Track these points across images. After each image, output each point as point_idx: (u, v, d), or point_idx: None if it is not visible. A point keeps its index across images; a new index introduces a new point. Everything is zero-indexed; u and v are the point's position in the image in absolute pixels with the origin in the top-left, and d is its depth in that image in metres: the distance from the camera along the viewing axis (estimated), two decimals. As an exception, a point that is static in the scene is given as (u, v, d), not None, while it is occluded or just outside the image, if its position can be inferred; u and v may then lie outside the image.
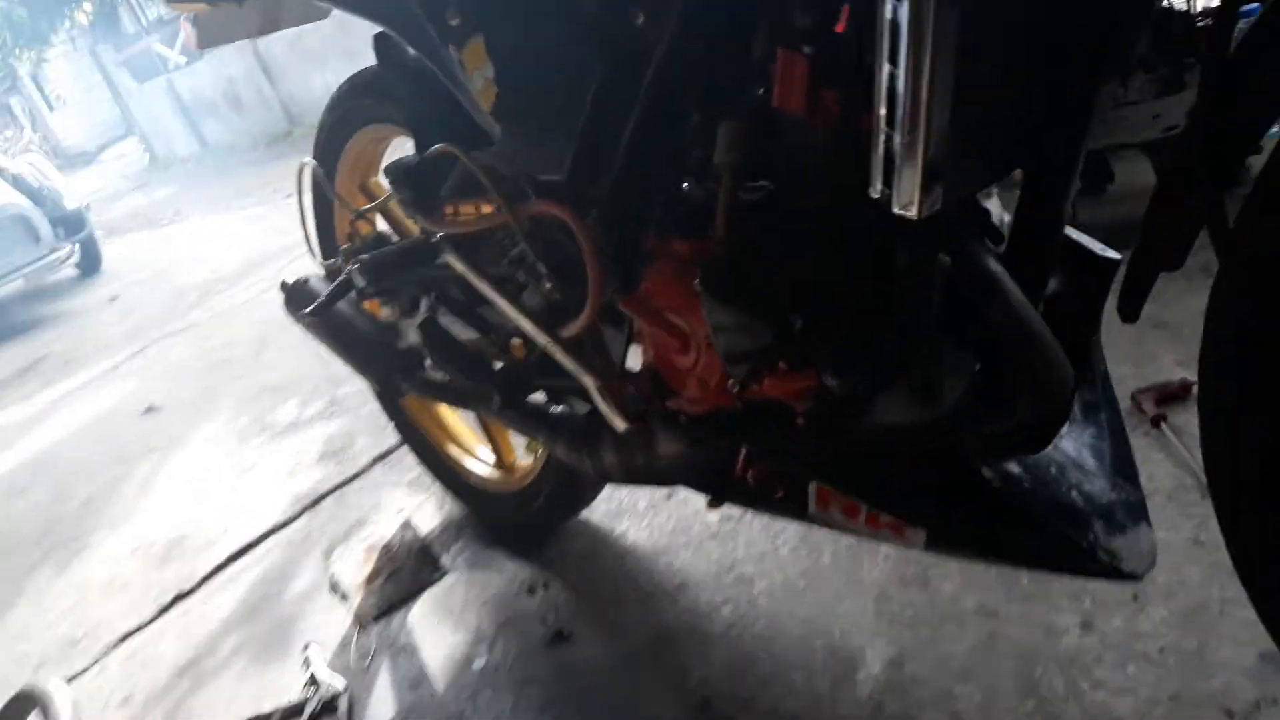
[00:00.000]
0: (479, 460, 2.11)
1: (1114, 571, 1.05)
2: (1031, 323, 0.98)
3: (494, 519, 2.10)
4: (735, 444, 1.24)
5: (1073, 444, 1.13)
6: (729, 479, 1.28)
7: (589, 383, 1.25)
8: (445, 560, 2.07)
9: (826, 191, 0.99)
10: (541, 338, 1.27)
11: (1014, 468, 1.06)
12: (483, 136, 1.31)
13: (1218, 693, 1.19)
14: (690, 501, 1.92)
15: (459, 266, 1.40)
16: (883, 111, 0.83)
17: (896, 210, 0.85)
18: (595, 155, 1.16)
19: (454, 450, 2.15)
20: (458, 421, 2.17)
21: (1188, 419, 1.63)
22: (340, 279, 1.64)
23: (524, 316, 1.30)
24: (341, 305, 1.72)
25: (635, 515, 1.96)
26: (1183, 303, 1.87)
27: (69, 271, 7.67)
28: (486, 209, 1.38)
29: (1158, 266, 0.94)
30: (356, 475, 2.60)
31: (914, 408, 1.02)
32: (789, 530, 1.73)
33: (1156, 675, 1.24)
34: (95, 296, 6.94)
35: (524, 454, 2.02)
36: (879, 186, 0.86)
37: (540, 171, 1.25)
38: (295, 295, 1.73)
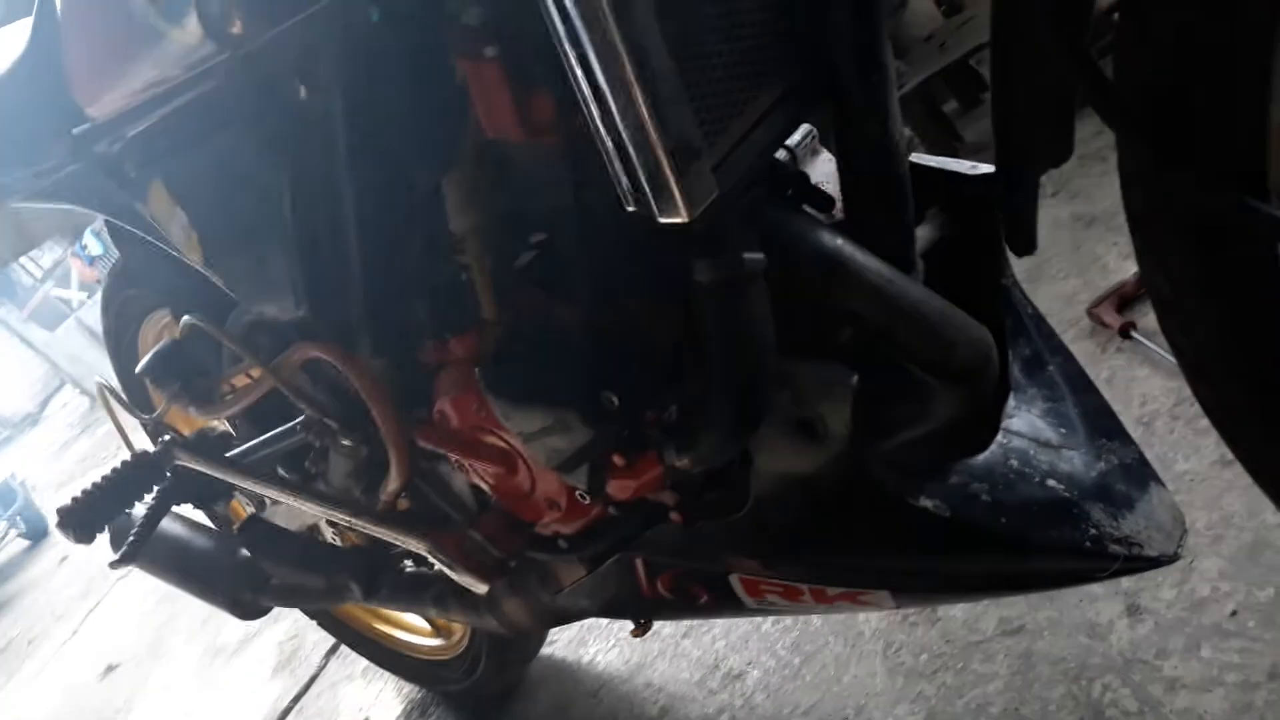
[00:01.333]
0: (412, 632, 1.83)
1: (1139, 561, 0.79)
2: (900, 293, 0.72)
3: (450, 689, 1.80)
4: (628, 556, 0.97)
5: (1025, 419, 0.86)
6: (641, 597, 1.01)
7: (419, 547, 0.97)
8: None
9: (592, 224, 0.74)
10: (341, 515, 1.00)
11: (960, 479, 0.80)
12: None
13: (1324, 650, 0.92)
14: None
15: (196, 465, 1.13)
16: (589, 101, 0.58)
17: (663, 221, 0.60)
18: (328, 272, 0.90)
19: (385, 628, 1.86)
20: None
21: (1159, 316, 1.37)
22: (151, 504, 1.37)
23: (308, 498, 1.03)
24: (168, 525, 1.44)
25: (602, 634, 1.67)
26: (1105, 188, 1.62)
27: (18, 544, 7.32)
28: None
29: (1036, 169, 0.69)
30: (312, 680, 2.30)
31: (799, 455, 0.75)
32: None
33: (1241, 649, 0.96)
34: (46, 561, 6.58)
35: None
36: (630, 197, 0.61)
37: (281, 313, 0.99)
38: (114, 535, 1.45)
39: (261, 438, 1.14)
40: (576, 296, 0.79)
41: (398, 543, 0.98)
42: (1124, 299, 1.39)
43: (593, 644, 1.66)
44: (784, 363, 0.71)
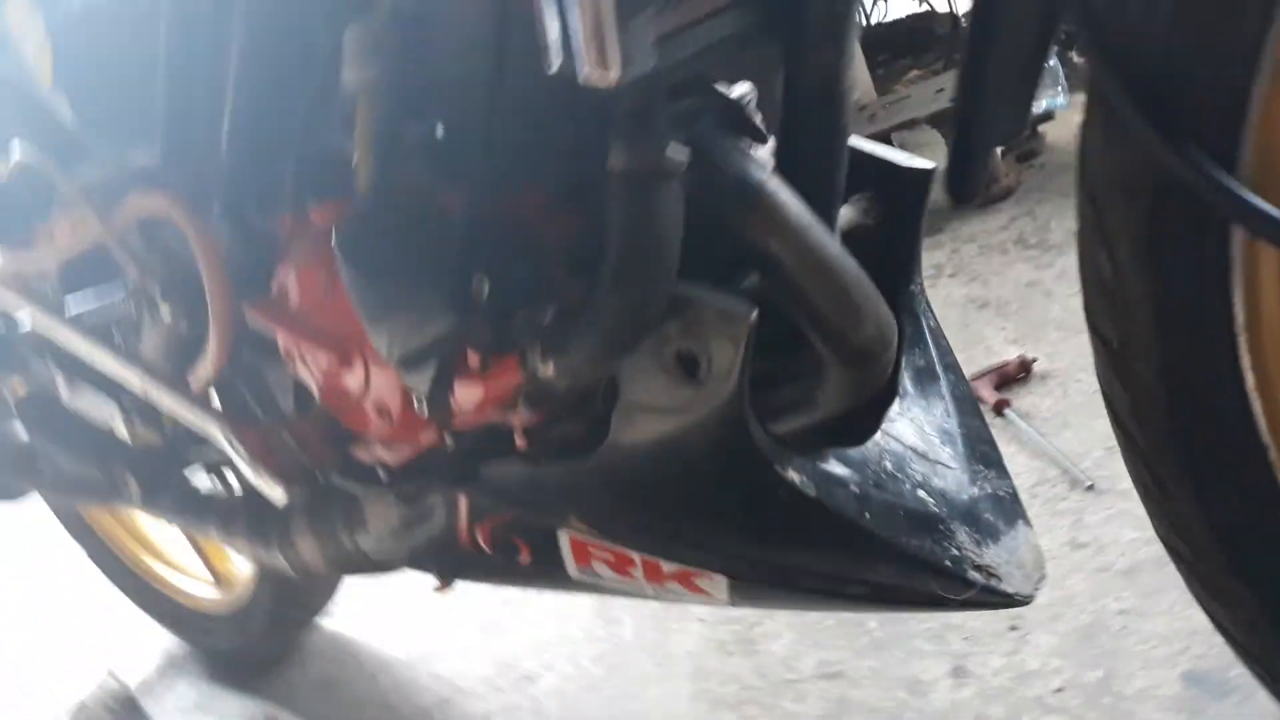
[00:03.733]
0: (186, 574, 1.65)
1: (995, 596, 0.73)
2: (820, 245, 0.66)
3: (215, 647, 1.63)
4: (452, 493, 0.87)
5: (907, 427, 0.81)
6: (456, 548, 0.91)
7: (214, 430, 0.84)
8: (156, 713, 1.58)
9: (501, 99, 0.66)
10: (142, 381, 0.86)
11: (835, 467, 0.73)
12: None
13: (1142, 736, 0.89)
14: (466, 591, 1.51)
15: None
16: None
17: (585, 80, 0.53)
18: (196, 116, 0.80)
19: (155, 566, 1.68)
20: (158, 528, 1.70)
21: (1034, 401, 1.36)
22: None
23: (124, 362, 0.89)
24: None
25: (393, 616, 1.53)
26: (1003, 277, 1.63)
27: None
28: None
29: (993, 136, 0.64)
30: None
31: (671, 396, 0.67)
32: (583, 608, 1.35)
33: (1059, 726, 0.92)
34: None
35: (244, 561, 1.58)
36: (557, 49, 0.53)
37: (130, 157, 0.87)
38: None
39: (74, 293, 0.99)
40: (466, 179, 0.70)
41: (194, 425, 0.85)
42: (1002, 378, 1.39)
43: (381, 624, 1.52)
44: (680, 285, 0.63)
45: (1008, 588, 0.73)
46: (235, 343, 0.85)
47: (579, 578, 0.85)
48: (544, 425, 0.73)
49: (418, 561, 0.97)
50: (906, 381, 0.83)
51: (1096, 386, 0.67)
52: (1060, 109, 2.16)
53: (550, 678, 1.25)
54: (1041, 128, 2.17)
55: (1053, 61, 2.32)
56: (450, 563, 0.93)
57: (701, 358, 0.65)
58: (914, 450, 0.79)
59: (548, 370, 0.65)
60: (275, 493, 0.85)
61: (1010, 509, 0.78)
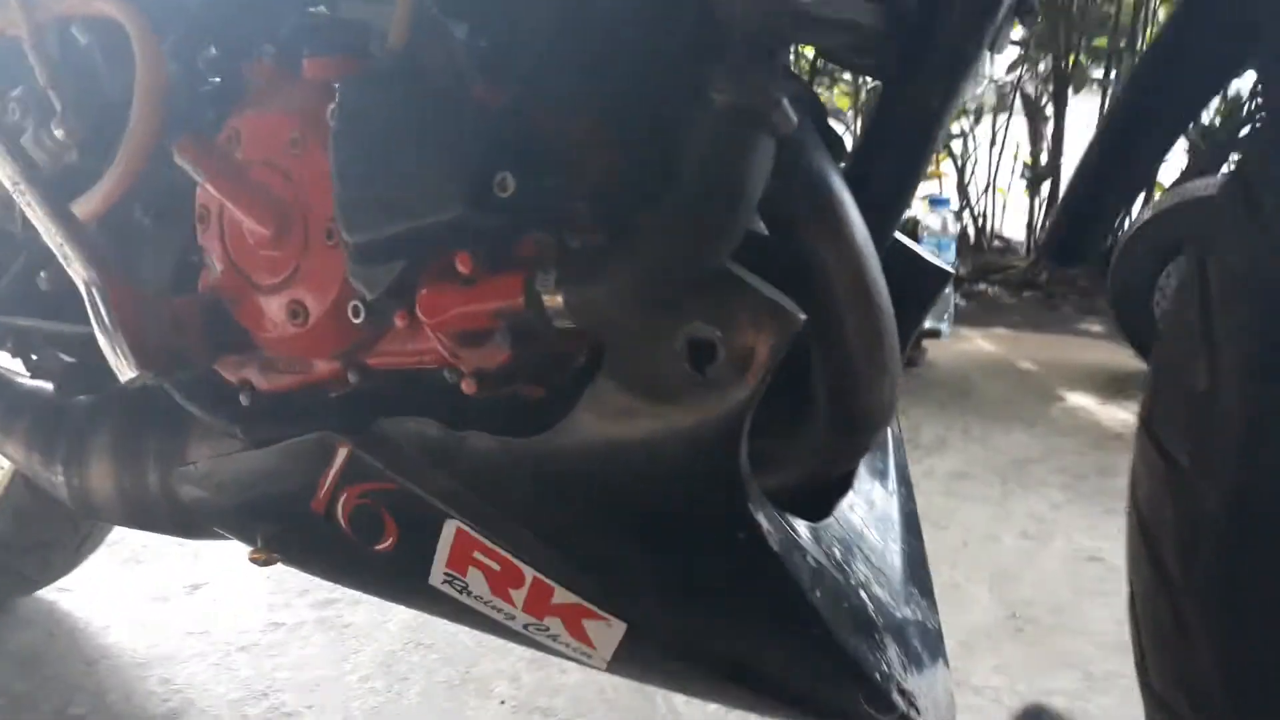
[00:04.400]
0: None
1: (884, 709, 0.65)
2: (877, 281, 0.60)
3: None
4: (331, 439, 0.72)
5: (859, 522, 0.74)
6: (302, 515, 0.75)
7: (80, 272, 0.68)
8: None
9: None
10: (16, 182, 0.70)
11: (796, 532, 0.65)
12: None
13: None
14: (246, 592, 1.31)
15: None
16: None
17: None
18: None
19: None
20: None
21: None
22: None
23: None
24: None
25: (130, 603, 1.30)
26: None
27: None
28: None
29: (1116, 198, 0.60)
30: None
31: (671, 382, 0.58)
32: (365, 653, 1.18)
33: None
34: None
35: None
36: None
37: None
38: None
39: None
40: (511, 78, 0.61)
41: (63, 254, 0.68)
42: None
43: (120, 613, 1.29)
44: (730, 263, 0.55)
45: (891, 705, 0.65)
46: (136, 185, 0.71)
47: (437, 585, 0.72)
48: (503, 374, 0.61)
49: (239, 519, 0.80)
50: (865, 478, 0.77)
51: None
52: (944, 335, 2.25)
53: (307, 717, 1.07)
54: (925, 342, 2.25)
55: (947, 290, 2.45)
56: (287, 530, 0.77)
57: (721, 350, 0.56)
58: (860, 548, 0.71)
59: (555, 298, 0.55)
60: (125, 370, 0.69)
61: (934, 643, 0.72)
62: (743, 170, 0.53)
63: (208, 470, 0.80)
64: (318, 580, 1.33)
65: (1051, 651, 1.17)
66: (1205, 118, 3.02)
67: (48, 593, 1.32)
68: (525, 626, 0.71)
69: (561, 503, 0.65)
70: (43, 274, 0.83)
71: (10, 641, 1.22)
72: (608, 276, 0.54)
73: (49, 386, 0.94)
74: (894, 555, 0.75)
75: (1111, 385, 2.12)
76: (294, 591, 1.32)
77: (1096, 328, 2.43)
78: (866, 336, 0.60)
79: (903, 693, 0.65)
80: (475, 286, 0.58)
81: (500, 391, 0.63)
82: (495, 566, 0.69)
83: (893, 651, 0.67)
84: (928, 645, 0.71)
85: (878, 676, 0.64)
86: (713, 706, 1.07)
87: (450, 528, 0.69)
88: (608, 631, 0.67)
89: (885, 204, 0.65)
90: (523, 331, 0.58)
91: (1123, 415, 1.95)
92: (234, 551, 1.40)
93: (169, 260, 0.76)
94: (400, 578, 0.74)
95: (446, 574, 0.71)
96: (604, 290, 0.54)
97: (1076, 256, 0.61)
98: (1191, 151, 3.07)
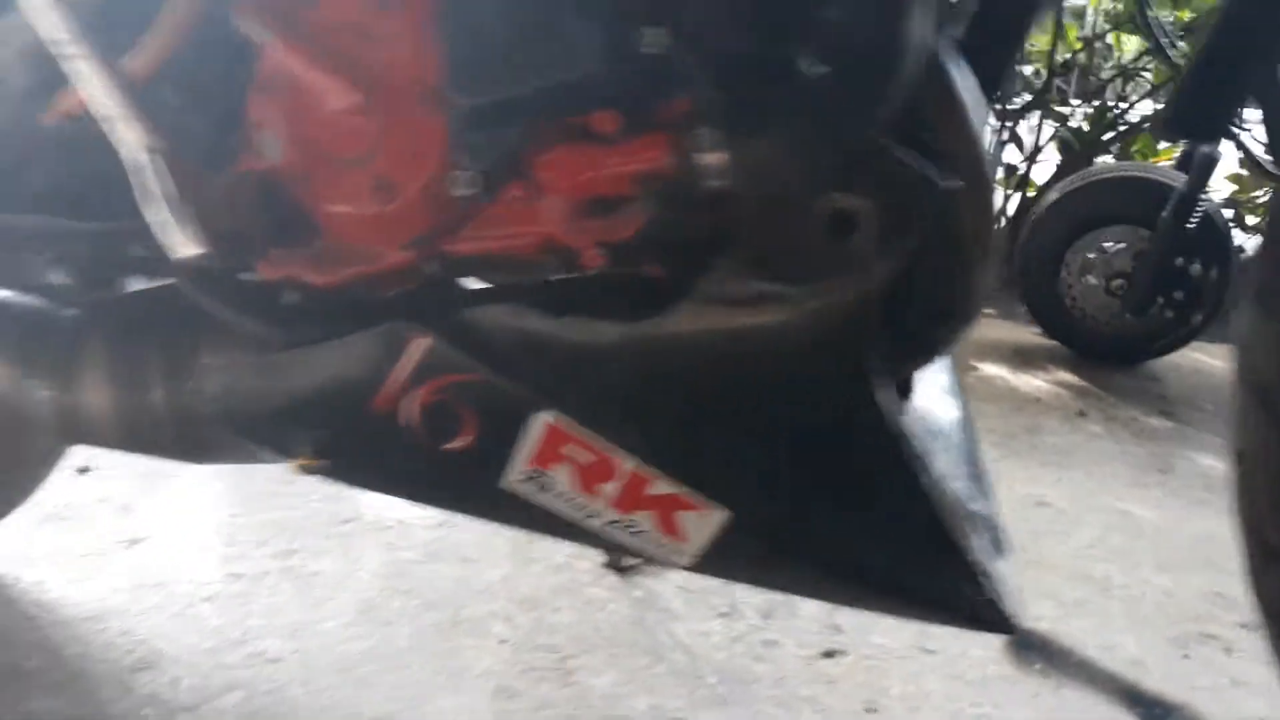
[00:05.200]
0: None
1: (995, 614, 0.67)
2: (988, 159, 0.62)
3: None
4: (404, 329, 0.68)
5: (928, 419, 0.75)
6: (359, 413, 0.71)
7: (137, 143, 0.62)
8: None
9: None
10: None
11: (904, 415, 0.65)
12: None
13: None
14: (193, 546, 1.22)
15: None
16: None
17: None
18: None
19: None
20: None
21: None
22: None
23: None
24: None
25: (64, 559, 1.20)
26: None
27: None
28: None
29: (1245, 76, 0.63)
30: None
31: (809, 257, 0.57)
32: (340, 599, 1.12)
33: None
34: None
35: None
36: None
37: None
38: None
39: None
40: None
41: (112, 118, 0.62)
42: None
43: (47, 572, 1.18)
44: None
45: (1005, 607, 0.67)
46: (191, 41, 0.65)
47: (512, 483, 0.69)
48: (629, 247, 0.59)
49: (279, 431, 0.75)
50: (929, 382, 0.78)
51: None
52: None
53: (295, 664, 1.01)
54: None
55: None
56: (339, 434, 0.73)
57: (864, 222, 0.56)
58: (936, 442, 0.73)
59: (709, 158, 0.53)
60: (183, 248, 0.64)
61: (1000, 537, 0.74)
62: (905, 36, 0.53)
63: (235, 378, 0.74)
64: (273, 531, 1.27)
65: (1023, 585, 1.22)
66: (1075, 121, 3.21)
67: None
68: (607, 523, 0.69)
69: (673, 388, 0.63)
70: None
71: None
72: (770, 134, 0.53)
73: (31, 298, 0.86)
74: (959, 454, 0.76)
75: (1018, 357, 2.23)
76: (249, 544, 1.24)
77: (990, 310, 2.55)
78: (978, 218, 0.61)
79: (987, 575, 0.66)
80: (617, 147, 0.56)
81: (622, 267, 0.61)
82: (587, 460, 0.67)
83: (978, 540, 0.68)
84: (995, 538, 0.73)
85: (971, 561, 0.65)
86: (718, 635, 1.07)
87: (540, 420, 0.66)
88: (704, 523, 0.66)
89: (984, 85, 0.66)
90: (664, 196, 0.56)
91: (1036, 383, 2.05)
92: (172, 505, 1.32)
93: (212, 135, 0.71)
94: (468, 479, 0.70)
95: (527, 471, 0.68)
96: (766, 147, 0.53)
97: (1197, 131, 0.64)
98: (1064, 151, 3.26)
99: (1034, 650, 1.07)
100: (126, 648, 1.03)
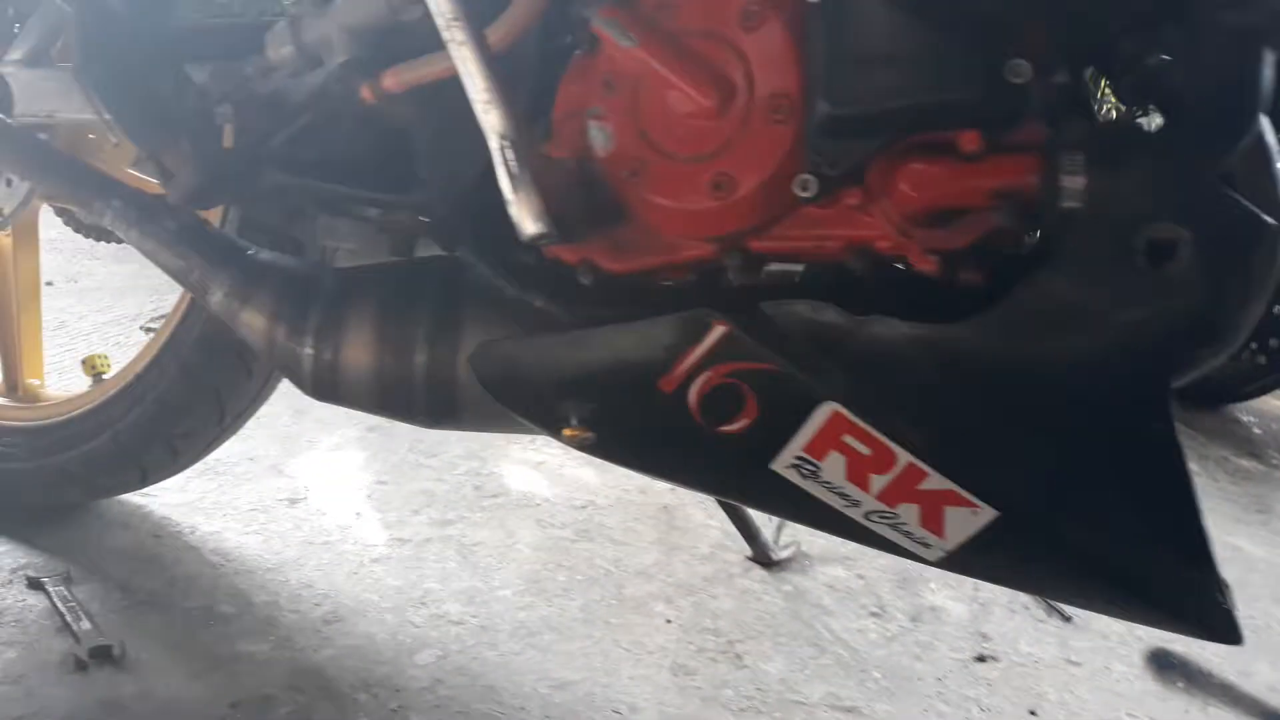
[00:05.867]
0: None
1: (1229, 623, 0.71)
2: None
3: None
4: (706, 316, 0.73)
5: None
6: (645, 392, 0.75)
7: (498, 126, 0.67)
8: None
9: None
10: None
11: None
12: None
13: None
14: (351, 507, 1.26)
15: None
16: None
17: None
18: None
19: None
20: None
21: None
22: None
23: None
24: None
25: (231, 513, 1.24)
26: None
27: None
28: None
29: None
30: None
31: (1118, 286, 0.61)
32: (505, 570, 1.17)
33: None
34: None
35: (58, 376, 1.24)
36: None
37: None
38: None
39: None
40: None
41: (479, 90, 0.66)
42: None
43: (216, 518, 1.23)
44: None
45: (1236, 617, 0.71)
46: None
47: (778, 469, 0.73)
48: (960, 256, 0.64)
49: (550, 402, 0.79)
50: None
51: None
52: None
53: (474, 626, 1.05)
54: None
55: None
56: (615, 409, 0.77)
57: (1183, 252, 0.61)
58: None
59: (1072, 181, 0.58)
60: (530, 227, 0.68)
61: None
62: (1257, 83, 0.57)
63: (515, 351, 0.79)
64: (424, 501, 1.31)
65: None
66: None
67: (130, 498, 1.24)
68: (867, 514, 0.73)
69: (970, 390, 0.68)
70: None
71: (114, 541, 1.15)
72: (1128, 165, 0.58)
73: (294, 260, 0.91)
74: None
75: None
76: (404, 511, 1.29)
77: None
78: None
79: (1223, 588, 0.71)
80: (977, 164, 0.61)
81: (953, 274, 0.65)
82: (864, 450, 0.71)
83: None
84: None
85: (1221, 578, 0.69)
86: (873, 633, 1.11)
87: (825, 410, 0.71)
88: (969, 521, 0.70)
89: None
90: (1017, 212, 0.61)
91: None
92: (322, 469, 1.36)
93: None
94: (737, 460, 0.74)
95: (799, 458, 0.72)
96: (1120, 177, 0.58)
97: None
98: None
99: (1175, 670, 1.12)
100: (312, 600, 1.07)
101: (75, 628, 0.97)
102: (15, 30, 1.13)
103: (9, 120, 1.03)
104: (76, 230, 1.26)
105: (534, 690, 0.95)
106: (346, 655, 0.98)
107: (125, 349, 1.72)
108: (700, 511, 1.35)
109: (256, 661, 0.96)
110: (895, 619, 1.15)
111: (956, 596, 1.21)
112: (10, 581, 1.05)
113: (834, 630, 1.11)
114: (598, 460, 0.79)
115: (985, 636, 1.14)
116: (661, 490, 1.39)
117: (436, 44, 0.70)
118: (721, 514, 1.29)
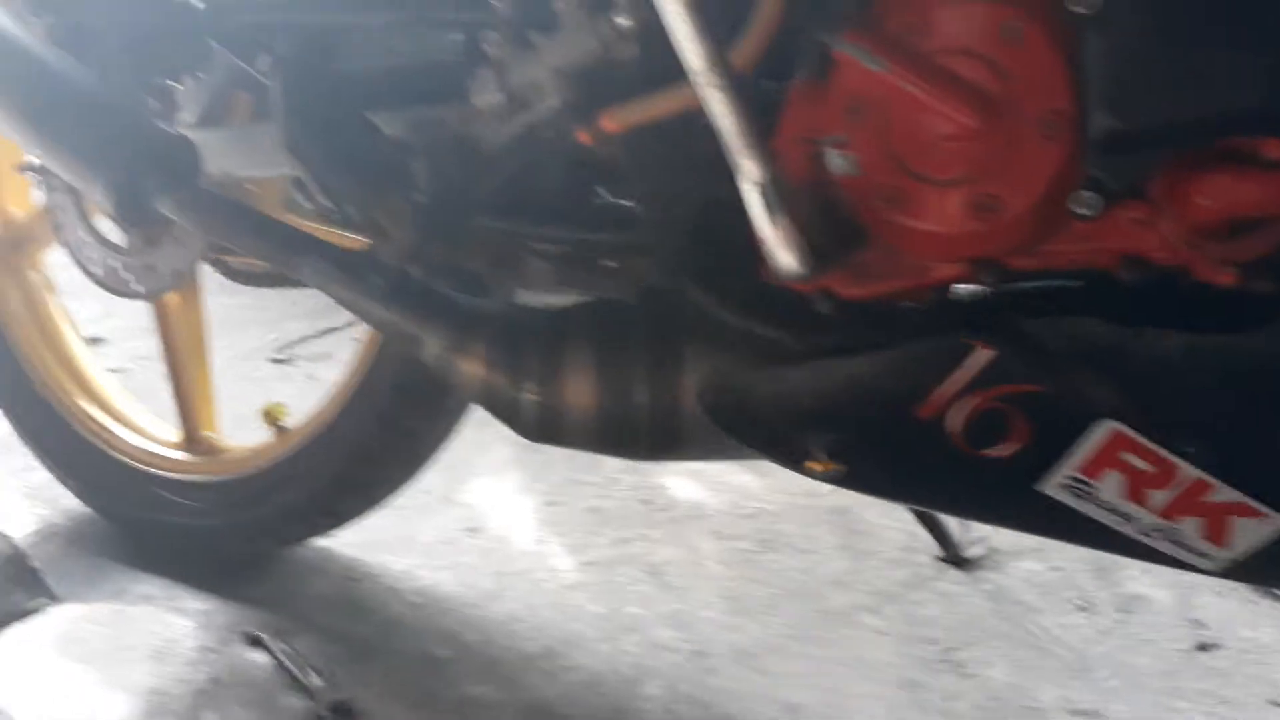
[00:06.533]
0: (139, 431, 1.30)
1: None
2: None
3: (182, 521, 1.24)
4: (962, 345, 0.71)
5: None
6: (900, 418, 0.74)
7: (752, 168, 0.65)
8: (53, 583, 1.17)
9: None
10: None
11: None
12: None
13: None
14: (520, 532, 1.27)
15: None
16: None
17: None
18: None
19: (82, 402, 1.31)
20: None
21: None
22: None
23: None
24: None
25: (416, 548, 1.25)
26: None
27: None
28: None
29: None
30: None
31: None
32: (700, 589, 1.16)
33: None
34: None
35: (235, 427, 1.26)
36: None
37: None
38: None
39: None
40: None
41: (728, 120, 0.64)
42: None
43: (404, 555, 1.24)
44: None
45: None
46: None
47: (1051, 490, 0.71)
48: (1258, 265, 0.62)
49: (791, 435, 0.78)
50: None
51: None
52: None
53: (689, 651, 1.05)
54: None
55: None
56: (867, 440, 0.76)
57: None
58: None
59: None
60: (791, 266, 0.67)
61: None
62: None
63: (748, 381, 0.77)
64: (598, 521, 1.31)
65: None
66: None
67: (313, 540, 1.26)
68: (1144, 530, 0.71)
69: (1261, 400, 0.65)
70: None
71: (313, 588, 1.17)
72: None
73: (500, 303, 0.91)
74: None
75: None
76: (581, 532, 1.28)
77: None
78: None
79: None
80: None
81: (1248, 283, 0.63)
82: (1144, 467, 0.69)
83: None
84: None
85: None
86: (1085, 629, 1.09)
87: (1103, 428, 0.68)
88: (1258, 530, 0.68)
89: None
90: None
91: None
92: (489, 496, 1.37)
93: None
94: (1002, 484, 0.73)
95: (1072, 477, 0.70)
96: None
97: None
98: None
99: None
100: (524, 635, 1.08)
101: (306, 683, 0.98)
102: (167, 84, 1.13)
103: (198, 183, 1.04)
104: (226, 275, 1.28)
105: (771, 717, 0.95)
106: (573, 691, 0.99)
107: (256, 383, 1.75)
108: (873, 512, 1.34)
109: (486, 705, 0.97)
110: (1104, 612, 1.13)
111: (1157, 583, 1.18)
112: (229, 640, 1.07)
113: (1046, 629, 1.09)
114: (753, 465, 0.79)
115: (1200, 624, 1.11)
116: (826, 491, 1.37)
117: (647, 80, 0.69)
118: (900, 514, 1.27)
